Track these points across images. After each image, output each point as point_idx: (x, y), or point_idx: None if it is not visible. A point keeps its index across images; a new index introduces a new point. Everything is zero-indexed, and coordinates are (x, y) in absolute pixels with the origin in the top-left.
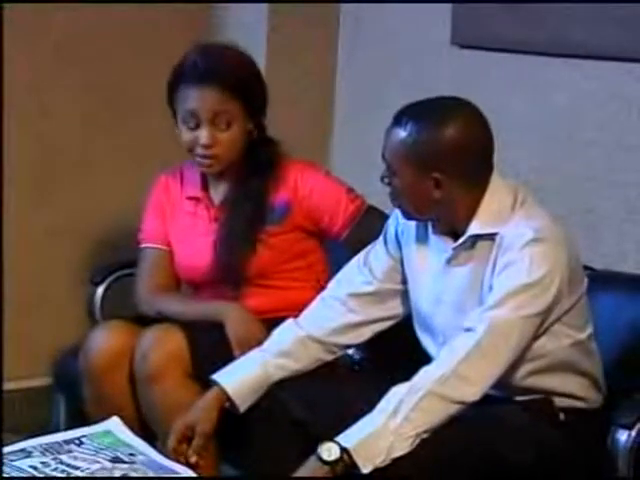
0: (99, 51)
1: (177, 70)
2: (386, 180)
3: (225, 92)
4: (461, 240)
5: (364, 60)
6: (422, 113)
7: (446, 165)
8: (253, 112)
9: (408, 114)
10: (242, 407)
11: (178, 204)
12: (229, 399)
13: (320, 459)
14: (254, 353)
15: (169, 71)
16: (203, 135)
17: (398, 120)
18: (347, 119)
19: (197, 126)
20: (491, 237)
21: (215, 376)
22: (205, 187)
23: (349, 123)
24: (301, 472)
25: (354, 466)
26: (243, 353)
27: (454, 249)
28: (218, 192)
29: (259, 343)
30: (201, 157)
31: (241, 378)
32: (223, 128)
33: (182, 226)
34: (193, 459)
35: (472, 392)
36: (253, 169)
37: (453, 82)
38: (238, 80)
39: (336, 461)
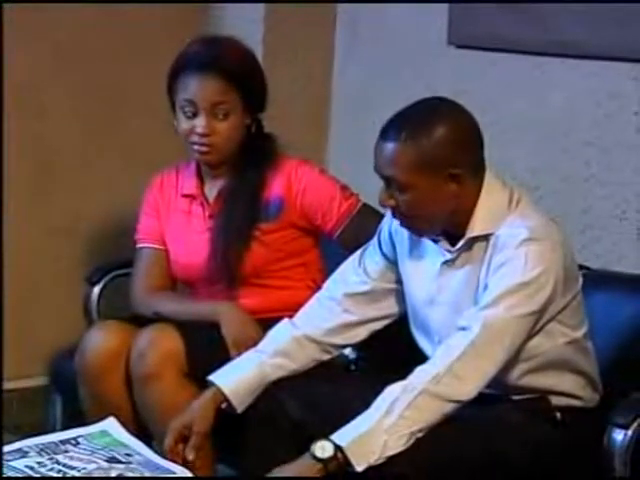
0: (98, 51)
1: (179, 59)
2: (389, 202)
3: (225, 83)
4: (462, 242)
5: (361, 60)
6: (410, 119)
7: (455, 157)
8: (252, 106)
9: (397, 125)
10: (239, 408)
11: (173, 202)
12: (226, 400)
13: (313, 456)
14: (250, 353)
15: (167, 71)
16: (200, 124)
17: (389, 133)
18: (344, 119)
19: (195, 115)
20: (486, 237)
21: (212, 377)
22: (201, 185)
23: (346, 123)
24: (294, 469)
25: (348, 464)
26: (239, 353)
27: (455, 252)
28: (213, 189)
29: (255, 343)
30: (198, 145)
31: (238, 379)
32: (221, 118)
33: (177, 224)
34: (191, 456)
35: (467, 391)
36: (250, 162)
37: (450, 82)
38: (239, 72)
39: (330, 459)
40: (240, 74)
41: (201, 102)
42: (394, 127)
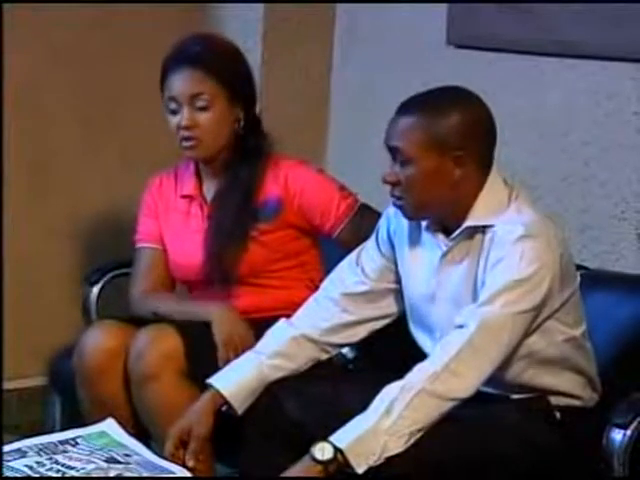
0: (97, 51)
1: (163, 63)
2: (389, 178)
3: (201, 73)
4: (458, 231)
5: (360, 60)
6: (429, 99)
7: (465, 142)
8: (237, 97)
9: (415, 102)
10: (240, 410)
11: (172, 203)
12: (226, 403)
13: (313, 458)
14: (249, 355)
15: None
16: (183, 117)
17: (406, 108)
18: (343, 119)
19: (178, 110)
20: (484, 231)
21: (211, 380)
22: (199, 185)
23: (345, 123)
24: (294, 471)
25: (348, 466)
26: (228, 352)
27: (451, 240)
28: (211, 189)
29: (244, 342)
30: (184, 140)
31: (237, 381)
32: (202, 109)
33: (176, 225)
34: (191, 463)
35: (464, 388)
36: (244, 160)
37: (449, 82)
38: (215, 61)
39: (330, 461)
40: (216, 63)
41: (180, 96)
42: (412, 104)
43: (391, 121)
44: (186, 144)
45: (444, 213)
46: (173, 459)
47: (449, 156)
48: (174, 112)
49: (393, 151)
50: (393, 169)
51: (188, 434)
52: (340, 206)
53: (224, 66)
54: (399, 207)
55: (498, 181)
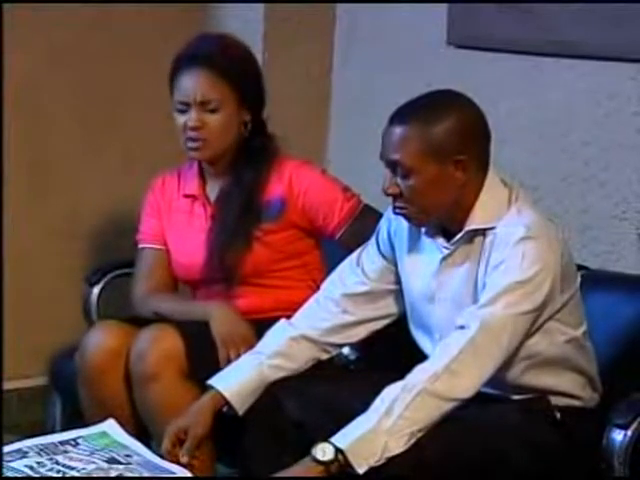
0: (97, 51)
1: (174, 60)
2: (391, 190)
3: (213, 76)
4: (459, 235)
5: (360, 60)
6: (420, 106)
7: (464, 145)
8: (246, 101)
9: (406, 111)
10: (241, 410)
11: (175, 203)
12: (227, 403)
13: (314, 459)
14: (249, 355)
15: (166, 72)
16: (191, 117)
17: (398, 119)
18: (343, 119)
19: (187, 110)
20: (484, 233)
21: (211, 381)
22: (203, 185)
23: (345, 123)
24: (295, 471)
25: (349, 466)
26: (228, 352)
27: (452, 244)
28: (215, 189)
29: (245, 341)
30: (190, 140)
31: (238, 382)
32: (211, 111)
33: (179, 225)
34: (184, 459)
35: (464, 389)
36: (248, 161)
37: (449, 82)
38: (228, 64)
39: (331, 461)
40: (229, 66)
41: (191, 96)
42: (403, 113)
43: (385, 133)
44: (191, 144)
45: (446, 217)
46: (170, 456)
47: (449, 161)
48: (183, 111)
49: (392, 164)
50: (392, 181)
51: (185, 433)
52: (343, 207)
53: (238, 71)
54: (403, 216)
55: (496, 182)
